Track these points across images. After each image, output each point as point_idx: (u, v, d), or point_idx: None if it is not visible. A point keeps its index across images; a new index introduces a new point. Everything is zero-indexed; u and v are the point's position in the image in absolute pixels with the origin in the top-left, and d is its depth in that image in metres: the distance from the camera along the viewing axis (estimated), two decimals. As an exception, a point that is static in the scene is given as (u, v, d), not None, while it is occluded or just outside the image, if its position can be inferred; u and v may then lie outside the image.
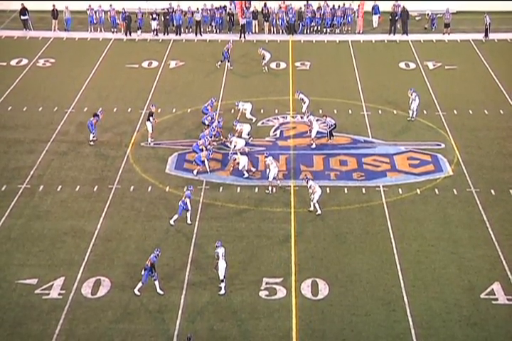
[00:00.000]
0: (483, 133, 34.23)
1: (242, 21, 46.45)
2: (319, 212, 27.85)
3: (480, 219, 27.74)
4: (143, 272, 23.51)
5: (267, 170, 29.44)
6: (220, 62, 41.24)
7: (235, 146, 31.49)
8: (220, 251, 23.78)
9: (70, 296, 23.65)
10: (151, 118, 32.80)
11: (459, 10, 49.14)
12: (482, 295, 23.71)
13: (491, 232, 26.89)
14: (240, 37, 46.28)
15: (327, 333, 22.19)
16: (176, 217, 27.13)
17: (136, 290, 23.64)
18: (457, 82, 40.02)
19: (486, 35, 45.88)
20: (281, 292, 23.84)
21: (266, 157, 29.75)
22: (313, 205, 27.94)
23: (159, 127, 33.97)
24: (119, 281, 24.36)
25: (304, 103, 35.44)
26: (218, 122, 32.92)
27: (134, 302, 23.42)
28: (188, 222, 27.30)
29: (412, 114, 34.98)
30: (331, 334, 22.17)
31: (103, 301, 23.49)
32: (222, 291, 23.70)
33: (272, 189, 29.45)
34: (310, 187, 27.91)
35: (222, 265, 23.64)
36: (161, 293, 23.66)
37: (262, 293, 23.79)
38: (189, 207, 27.10)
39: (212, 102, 34.64)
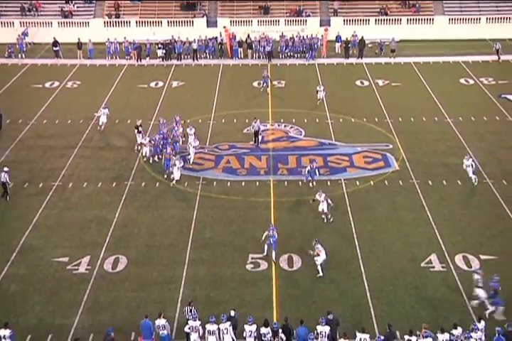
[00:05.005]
0: (422, 136, 34.32)
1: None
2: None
3: (420, 204, 27.83)
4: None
5: (318, 257, 23.21)
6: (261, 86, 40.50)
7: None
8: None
9: (95, 271, 23.60)
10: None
11: (402, 38, 49.21)
12: (422, 264, 23.81)
13: (429, 214, 26.98)
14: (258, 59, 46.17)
15: (300, 297, 22.25)
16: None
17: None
18: (401, 96, 40.09)
19: (499, 58, 45.24)
20: (264, 265, 23.82)
21: (316, 244, 23.40)
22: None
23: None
24: (133, 259, 24.31)
25: (99, 117, 34.40)
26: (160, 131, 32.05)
27: (146, 275, 23.38)
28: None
29: (473, 180, 29.17)
30: (303, 297, 22.22)
31: (121, 275, 23.45)
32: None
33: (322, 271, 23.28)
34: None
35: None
36: None
37: (248, 266, 23.79)
38: None
39: (177, 120, 33.08)
